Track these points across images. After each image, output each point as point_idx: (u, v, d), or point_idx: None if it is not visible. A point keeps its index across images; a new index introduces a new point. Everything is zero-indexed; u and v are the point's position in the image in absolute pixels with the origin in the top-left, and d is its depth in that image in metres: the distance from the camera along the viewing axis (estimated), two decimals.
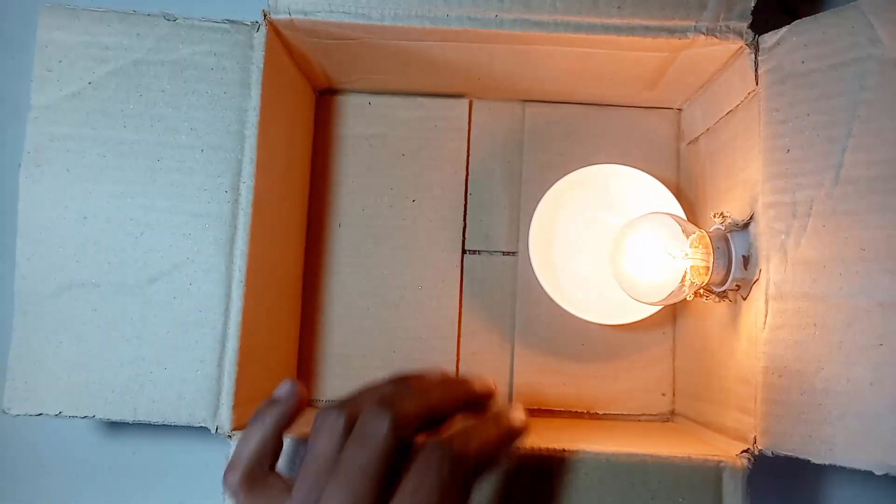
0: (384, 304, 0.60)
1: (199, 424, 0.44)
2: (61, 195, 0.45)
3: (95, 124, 0.45)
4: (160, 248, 0.45)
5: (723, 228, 0.47)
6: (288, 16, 0.46)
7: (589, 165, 0.57)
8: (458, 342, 0.60)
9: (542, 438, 0.47)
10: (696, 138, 0.58)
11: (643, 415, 0.59)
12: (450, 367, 0.59)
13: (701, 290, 0.47)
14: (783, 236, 0.43)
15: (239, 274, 0.45)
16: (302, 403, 0.40)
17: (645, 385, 0.60)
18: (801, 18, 0.43)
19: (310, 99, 0.60)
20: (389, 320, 0.60)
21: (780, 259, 0.43)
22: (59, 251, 0.45)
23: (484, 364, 0.60)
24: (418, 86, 0.60)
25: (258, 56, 0.46)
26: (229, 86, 0.46)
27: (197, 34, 0.46)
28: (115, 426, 0.59)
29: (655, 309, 0.55)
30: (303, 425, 0.49)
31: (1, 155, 0.61)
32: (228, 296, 0.45)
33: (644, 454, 0.43)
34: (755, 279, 0.45)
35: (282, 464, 0.42)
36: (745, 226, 0.46)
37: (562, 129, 0.62)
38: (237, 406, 0.45)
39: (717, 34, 0.46)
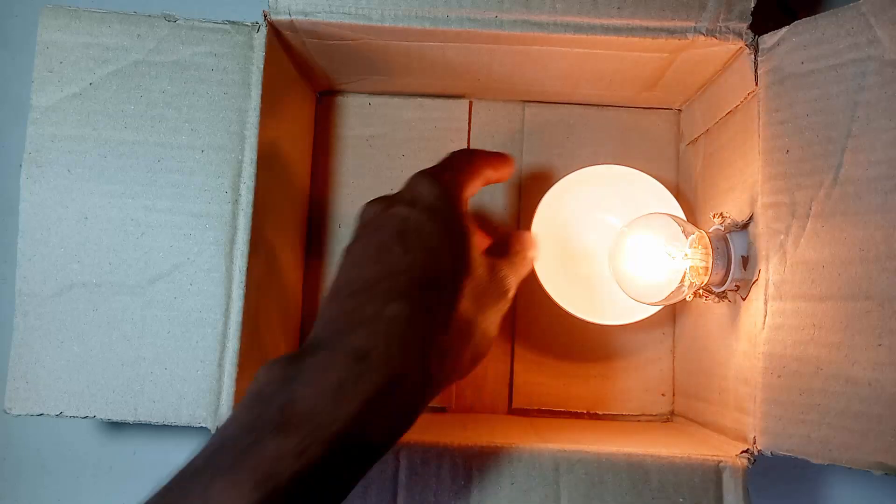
0: None
1: (200, 424, 0.44)
2: (62, 195, 0.45)
3: (96, 125, 0.45)
4: (161, 249, 0.45)
5: (722, 229, 0.48)
6: (288, 16, 0.46)
7: (589, 166, 0.57)
8: None
9: (542, 438, 0.47)
10: (696, 139, 0.58)
11: (643, 415, 0.59)
12: None
13: (700, 291, 0.47)
14: (782, 237, 0.43)
15: (239, 274, 0.45)
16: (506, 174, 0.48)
17: (644, 385, 0.60)
18: (800, 19, 0.43)
19: (310, 100, 0.60)
20: None
21: (780, 259, 0.43)
22: (60, 251, 0.45)
23: (484, 364, 0.60)
24: (418, 86, 0.60)
25: (258, 57, 0.46)
26: (229, 86, 0.46)
27: (197, 35, 0.46)
28: (116, 426, 0.59)
29: (655, 309, 0.55)
30: None
31: (2, 155, 0.61)
32: (229, 296, 0.45)
33: (644, 454, 0.43)
34: (754, 279, 0.45)
35: None
36: (745, 226, 0.46)
37: (562, 130, 0.62)
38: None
39: (717, 35, 0.46)
